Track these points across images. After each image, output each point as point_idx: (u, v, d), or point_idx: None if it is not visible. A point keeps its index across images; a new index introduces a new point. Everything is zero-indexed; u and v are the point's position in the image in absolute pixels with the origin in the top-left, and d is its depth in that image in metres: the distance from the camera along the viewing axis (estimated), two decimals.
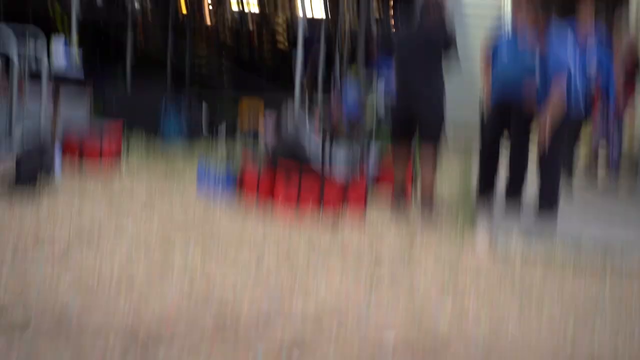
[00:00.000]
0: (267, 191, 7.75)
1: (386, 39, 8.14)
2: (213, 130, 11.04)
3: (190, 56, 17.03)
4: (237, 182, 8.03)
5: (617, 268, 6.41)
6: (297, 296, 5.12)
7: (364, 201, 7.65)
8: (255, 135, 11.05)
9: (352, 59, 15.12)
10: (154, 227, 6.57)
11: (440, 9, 7.88)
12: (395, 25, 7.75)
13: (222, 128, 11.03)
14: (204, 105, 11.47)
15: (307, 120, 8.00)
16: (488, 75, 8.17)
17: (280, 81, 14.46)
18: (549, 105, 7.46)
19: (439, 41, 7.82)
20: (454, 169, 10.44)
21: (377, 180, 8.74)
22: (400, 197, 7.98)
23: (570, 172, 9.49)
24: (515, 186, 8.07)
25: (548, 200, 7.59)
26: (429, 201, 7.77)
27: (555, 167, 7.68)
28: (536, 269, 6.36)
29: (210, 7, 20.98)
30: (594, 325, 4.96)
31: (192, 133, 10.84)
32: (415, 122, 7.89)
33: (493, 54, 8.13)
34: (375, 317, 4.83)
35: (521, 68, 7.80)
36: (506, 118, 8.02)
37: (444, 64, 7.80)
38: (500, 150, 8.24)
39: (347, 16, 17.29)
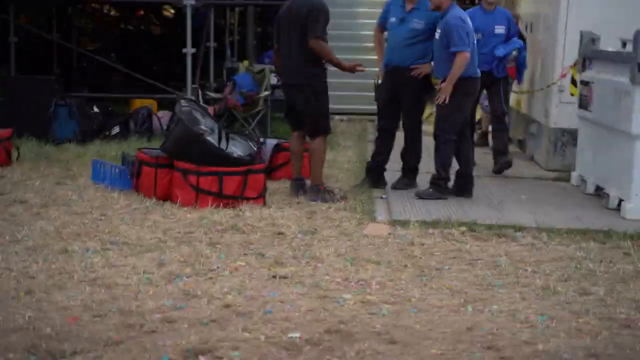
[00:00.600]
0: (165, 190, 7.70)
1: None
2: (106, 131, 10.84)
3: (77, 55, 16.70)
4: (133, 183, 7.95)
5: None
6: (201, 300, 5.11)
7: (262, 189, 7.68)
8: (150, 135, 10.91)
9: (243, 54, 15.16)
10: (50, 235, 6.44)
11: None
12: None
13: (116, 129, 10.86)
14: (96, 106, 11.26)
15: (201, 114, 7.91)
16: (381, 45, 8.59)
17: (174, 78, 14.34)
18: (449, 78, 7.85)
19: (301, 17, 7.79)
20: (353, 153, 10.57)
21: (275, 168, 8.91)
22: (298, 183, 8.15)
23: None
24: (413, 162, 8.57)
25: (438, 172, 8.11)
26: (319, 187, 7.95)
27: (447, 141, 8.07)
28: (433, 239, 6.66)
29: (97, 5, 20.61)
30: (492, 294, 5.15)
31: (85, 135, 10.62)
32: (295, 108, 8.05)
33: (384, 22, 8.47)
34: (281, 315, 4.87)
35: (409, 32, 8.23)
36: (398, 89, 8.30)
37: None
38: (394, 127, 8.55)
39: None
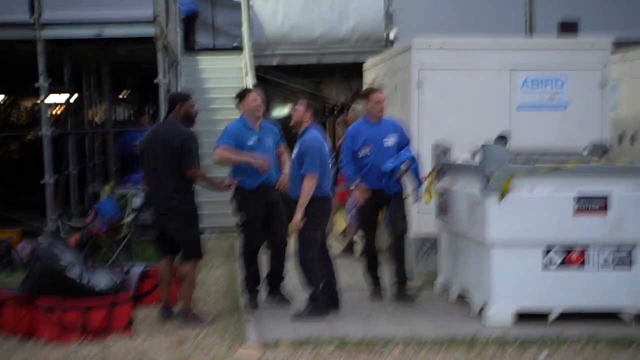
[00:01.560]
0: (28, 328, 7.48)
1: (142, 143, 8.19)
2: None
3: None
4: None
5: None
6: None
7: (129, 319, 7.57)
8: (10, 270, 10.61)
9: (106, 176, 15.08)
10: None
11: (182, 104, 8.04)
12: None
13: None
14: None
15: (61, 250, 7.79)
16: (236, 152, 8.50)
17: (36, 207, 14.08)
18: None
19: (172, 148, 7.87)
20: (222, 273, 10.54)
21: (142, 295, 8.77)
22: (167, 309, 8.13)
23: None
24: (276, 280, 8.73)
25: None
26: (187, 313, 7.94)
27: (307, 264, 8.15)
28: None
29: None
30: None
31: None
32: (165, 234, 8.08)
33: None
34: None
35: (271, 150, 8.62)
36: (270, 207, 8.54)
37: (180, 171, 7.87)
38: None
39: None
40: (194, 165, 7.86)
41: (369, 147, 8.71)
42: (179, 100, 8.15)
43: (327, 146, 8.27)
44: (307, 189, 7.98)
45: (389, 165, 8.68)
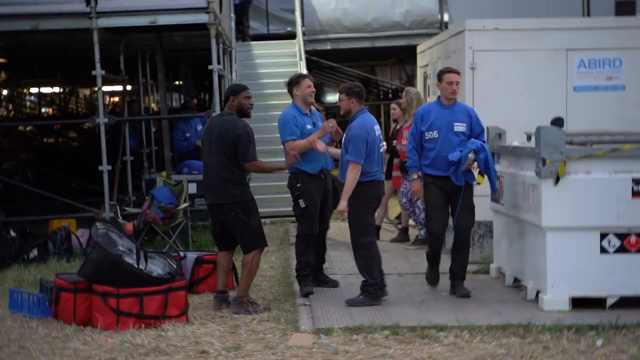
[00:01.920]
0: (85, 315, 7.60)
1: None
2: (24, 255, 10.66)
3: None
4: (52, 310, 7.82)
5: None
6: None
7: (184, 305, 7.63)
8: (70, 255, 10.78)
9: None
10: None
11: (235, 97, 8.06)
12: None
13: (34, 252, 10.69)
14: (12, 229, 11.10)
15: (118, 235, 7.89)
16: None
17: (93, 194, 14.30)
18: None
19: (227, 141, 7.91)
20: (276, 259, 10.57)
21: (196, 281, 8.84)
22: (221, 296, 8.16)
23: None
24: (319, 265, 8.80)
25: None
26: (242, 299, 7.95)
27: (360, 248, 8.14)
28: (357, 346, 6.67)
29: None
30: None
31: (2, 261, 10.42)
32: (223, 227, 8.11)
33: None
34: None
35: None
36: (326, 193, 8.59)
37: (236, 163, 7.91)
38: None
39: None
40: (250, 158, 7.90)
41: (437, 129, 8.26)
42: (232, 93, 8.16)
43: (377, 130, 8.20)
44: (352, 176, 7.94)
45: (455, 154, 8.15)
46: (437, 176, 8.29)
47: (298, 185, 8.48)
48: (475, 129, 8.36)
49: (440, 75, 8.42)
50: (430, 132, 8.28)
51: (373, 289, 8.05)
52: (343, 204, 7.96)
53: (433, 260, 8.60)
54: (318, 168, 8.49)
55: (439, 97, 8.49)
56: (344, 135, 8.17)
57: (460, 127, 8.28)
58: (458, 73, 8.41)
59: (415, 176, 8.47)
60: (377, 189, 8.20)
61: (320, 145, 8.30)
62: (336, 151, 8.46)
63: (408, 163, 8.57)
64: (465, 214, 8.32)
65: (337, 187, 8.51)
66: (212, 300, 8.23)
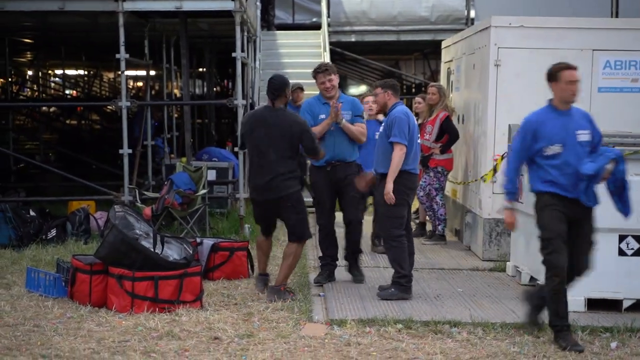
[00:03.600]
0: (100, 297, 7.63)
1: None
2: (42, 235, 10.72)
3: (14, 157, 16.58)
4: (68, 290, 7.87)
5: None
6: None
7: (199, 291, 7.66)
8: (88, 237, 10.84)
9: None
10: None
11: (289, 89, 8.13)
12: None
13: (53, 232, 10.75)
14: (32, 209, 11.16)
15: (135, 219, 7.92)
16: None
17: (113, 177, 14.37)
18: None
19: (292, 135, 7.91)
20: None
21: (212, 268, 8.86)
22: (264, 278, 8.33)
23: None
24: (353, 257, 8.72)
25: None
26: (279, 287, 7.99)
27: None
28: (370, 338, 6.67)
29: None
30: None
31: (21, 240, 10.49)
32: (274, 217, 8.23)
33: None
34: None
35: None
36: (340, 185, 8.54)
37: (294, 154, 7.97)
38: (333, 222, 8.73)
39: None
40: (318, 154, 8.03)
41: (560, 142, 6.66)
42: (287, 85, 8.12)
43: (415, 122, 8.20)
44: (397, 157, 7.91)
45: (590, 166, 6.61)
46: (561, 197, 6.68)
47: (306, 177, 8.56)
48: (595, 137, 6.84)
49: (555, 73, 6.81)
50: (552, 146, 6.68)
51: (405, 281, 8.02)
52: (388, 189, 7.91)
53: (556, 303, 6.69)
54: (323, 160, 8.48)
55: (549, 100, 6.90)
56: (384, 122, 8.15)
57: (584, 135, 6.74)
58: (575, 69, 6.86)
59: (510, 205, 6.94)
60: (412, 181, 8.17)
61: (317, 129, 8.34)
62: (351, 127, 8.43)
63: (507, 187, 6.90)
64: (586, 250, 6.80)
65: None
66: (255, 281, 8.42)
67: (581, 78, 7.02)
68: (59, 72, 27.88)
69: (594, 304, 7.57)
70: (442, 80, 13.05)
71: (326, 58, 15.66)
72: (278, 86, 8.05)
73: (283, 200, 7.97)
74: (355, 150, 8.62)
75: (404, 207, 8.14)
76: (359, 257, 8.82)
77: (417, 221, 11.70)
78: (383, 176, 8.03)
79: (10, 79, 19.57)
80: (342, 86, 21.10)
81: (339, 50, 17.45)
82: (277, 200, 7.99)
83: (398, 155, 7.93)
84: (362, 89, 22.44)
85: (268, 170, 7.93)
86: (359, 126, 8.53)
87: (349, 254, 8.77)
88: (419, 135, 8.43)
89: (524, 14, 10.80)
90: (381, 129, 8.17)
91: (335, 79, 8.55)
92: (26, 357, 6.19)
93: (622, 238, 7.52)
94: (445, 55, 13.05)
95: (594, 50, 9.84)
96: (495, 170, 9.15)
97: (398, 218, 8.06)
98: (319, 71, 8.60)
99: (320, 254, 8.81)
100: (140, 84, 34.21)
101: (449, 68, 12.56)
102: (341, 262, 8.84)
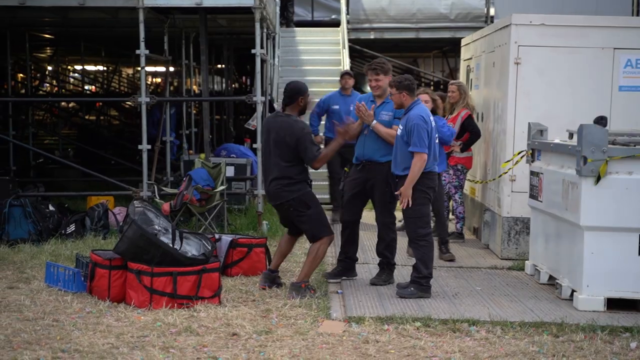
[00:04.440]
0: (119, 292, 7.66)
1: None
2: (61, 230, 10.77)
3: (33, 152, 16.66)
4: (87, 285, 7.90)
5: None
6: None
7: (217, 287, 7.67)
8: (106, 232, 10.88)
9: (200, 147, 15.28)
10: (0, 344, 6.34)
11: (304, 96, 8.10)
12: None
13: (71, 227, 10.80)
14: (51, 204, 11.21)
15: (155, 214, 7.94)
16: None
17: (132, 173, 14.41)
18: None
19: (287, 144, 7.93)
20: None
21: (230, 264, 8.88)
22: (272, 273, 8.35)
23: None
24: (389, 257, 8.61)
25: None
26: (300, 284, 7.98)
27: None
28: (388, 336, 6.63)
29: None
30: None
31: (40, 234, 10.54)
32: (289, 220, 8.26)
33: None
34: None
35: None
36: (369, 184, 8.45)
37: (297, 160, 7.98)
38: (358, 220, 8.67)
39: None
40: (316, 157, 7.93)
41: None
42: (300, 92, 8.12)
43: (432, 122, 8.15)
44: (418, 167, 7.86)
45: None
46: None
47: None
48: None
49: None
50: None
51: (425, 282, 8.01)
52: (408, 194, 7.88)
53: None
54: (355, 158, 8.52)
55: None
56: (399, 127, 8.09)
57: None
58: None
59: None
60: (432, 180, 8.13)
61: (353, 127, 8.36)
62: (381, 129, 8.38)
63: None
64: None
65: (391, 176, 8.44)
66: (262, 276, 8.40)
67: None
68: (78, 67, 27.99)
69: (613, 304, 7.52)
70: (462, 78, 13.01)
71: (345, 55, 15.64)
72: (289, 93, 8.15)
73: (284, 207, 8.07)
74: (388, 152, 8.47)
75: (427, 206, 8.13)
76: (385, 263, 8.64)
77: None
78: (401, 178, 8.00)
79: (30, 75, 19.63)
80: (361, 84, 21.09)
81: (357, 48, 17.43)
82: (279, 206, 8.12)
83: (418, 165, 7.88)
84: None
85: (268, 175, 8.13)
86: (394, 129, 8.45)
87: (377, 254, 8.75)
88: (437, 135, 8.39)
89: (544, 11, 10.72)
90: (399, 130, 8.10)
91: (382, 80, 8.44)
92: (46, 351, 6.21)
93: None
94: (464, 53, 13.01)
95: (615, 48, 9.77)
96: (508, 162, 9.09)
97: (423, 217, 8.04)
98: (369, 68, 8.60)
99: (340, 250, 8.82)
100: (159, 80, 34.30)
101: (468, 66, 12.52)
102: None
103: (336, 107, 11.70)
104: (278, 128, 8.03)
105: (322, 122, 12.19)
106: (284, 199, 8.02)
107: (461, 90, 10.80)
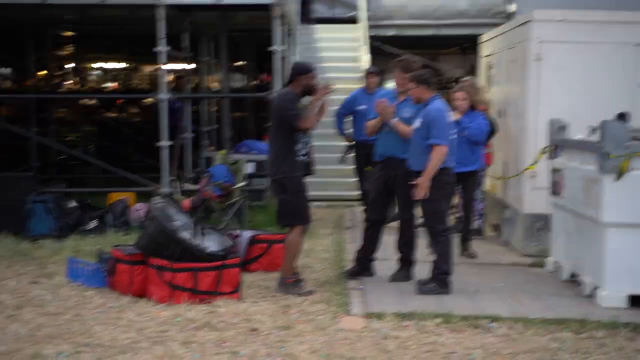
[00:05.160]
0: (140, 287, 7.69)
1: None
2: (83, 226, 10.83)
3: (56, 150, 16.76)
4: (108, 281, 7.94)
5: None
6: None
7: (237, 283, 7.68)
8: (127, 228, 10.92)
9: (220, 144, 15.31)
10: (23, 339, 6.38)
11: (304, 77, 8.00)
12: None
13: (93, 223, 10.86)
14: (73, 201, 11.28)
15: (175, 210, 7.96)
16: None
17: (153, 169, 14.45)
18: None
19: (280, 113, 7.91)
20: (330, 242, 10.56)
21: (250, 260, 8.89)
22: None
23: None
24: (409, 254, 8.56)
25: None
26: (284, 280, 7.96)
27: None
28: (408, 332, 6.66)
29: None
30: None
31: (62, 230, 10.61)
32: None
33: None
34: None
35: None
36: (392, 181, 8.39)
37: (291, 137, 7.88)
38: (383, 218, 8.60)
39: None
40: (298, 121, 7.78)
41: None
42: (301, 72, 8.06)
43: (449, 118, 8.13)
44: (437, 159, 7.83)
45: None
46: None
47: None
48: None
49: None
50: None
51: (446, 277, 7.99)
52: (425, 187, 7.87)
53: None
54: (378, 155, 8.52)
55: None
56: (417, 121, 8.07)
57: None
58: None
59: None
60: (449, 176, 8.09)
61: (371, 123, 8.45)
62: (400, 126, 8.36)
63: None
64: None
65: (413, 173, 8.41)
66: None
67: None
68: (98, 64, 28.10)
69: (636, 301, 7.47)
70: (482, 75, 12.96)
71: (365, 52, 15.64)
72: (292, 72, 8.12)
73: (275, 184, 7.97)
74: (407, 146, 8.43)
75: (445, 202, 8.09)
76: (404, 260, 8.58)
77: (457, 215, 11.62)
78: (418, 173, 7.97)
79: (51, 72, 19.73)
80: (381, 80, 21.04)
81: (377, 44, 17.41)
82: (274, 181, 7.99)
83: (438, 157, 7.85)
84: None
85: (269, 149, 8.11)
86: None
87: (397, 250, 8.70)
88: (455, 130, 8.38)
89: (564, 7, 10.66)
90: (417, 124, 8.07)
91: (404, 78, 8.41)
92: (68, 345, 6.25)
93: None
94: (484, 50, 12.96)
95: (637, 44, 9.71)
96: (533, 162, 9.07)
97: (441, 213, 8.02)
98: (397, 65, 8.58)
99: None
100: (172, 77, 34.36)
101: (488, 62, 12.47)
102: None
103: (362, 107, 11.35)
104: (273, 103, 8.18)
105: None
106: (277, 176, 7.90)
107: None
